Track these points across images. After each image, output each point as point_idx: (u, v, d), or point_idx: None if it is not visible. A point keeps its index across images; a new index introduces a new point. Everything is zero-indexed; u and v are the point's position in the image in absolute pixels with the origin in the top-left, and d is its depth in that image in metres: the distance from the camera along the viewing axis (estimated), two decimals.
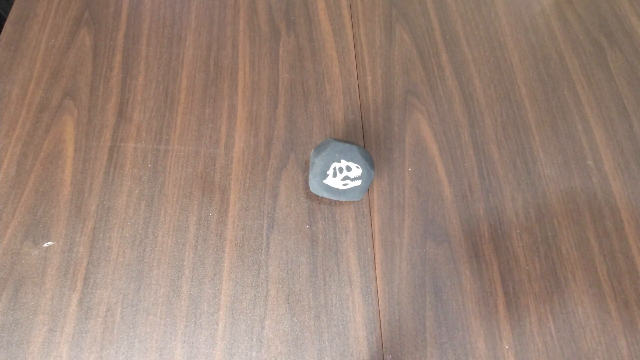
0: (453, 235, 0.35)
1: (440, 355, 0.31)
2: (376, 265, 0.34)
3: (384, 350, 0.31)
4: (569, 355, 0.31)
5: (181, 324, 0.31)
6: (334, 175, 0.32)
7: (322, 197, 0.36)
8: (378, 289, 0.33)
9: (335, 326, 0.31)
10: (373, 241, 0.34)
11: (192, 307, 0.32)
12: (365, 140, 0.39)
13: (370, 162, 0.33)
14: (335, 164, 0.32)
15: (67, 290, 0.32)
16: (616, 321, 0.32)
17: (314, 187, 0.33)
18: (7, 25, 0.42)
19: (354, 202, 0.36)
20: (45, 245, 0.33)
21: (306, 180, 0.36)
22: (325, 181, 0.33)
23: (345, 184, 0.33)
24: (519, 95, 0.41)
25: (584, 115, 0.40)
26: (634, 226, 0.35)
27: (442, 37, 0.44)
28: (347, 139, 0.38)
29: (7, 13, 0.42)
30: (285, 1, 0.45)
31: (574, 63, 0.43)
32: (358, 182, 0.33)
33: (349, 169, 0.32)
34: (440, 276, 0.33)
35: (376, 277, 0.33)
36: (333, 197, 0.33)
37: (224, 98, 0.40)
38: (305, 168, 0.37)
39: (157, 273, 0.33)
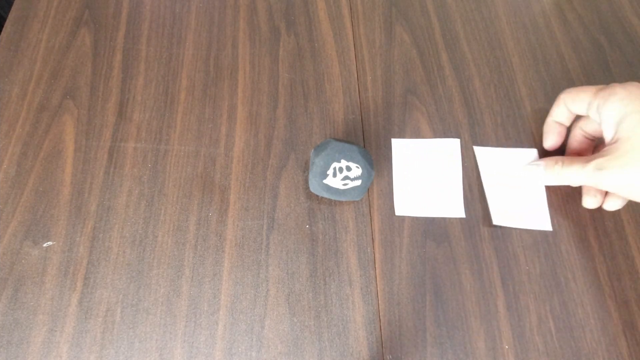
0: (453, 235, 0.35)
1: (440, 355, 0.31)
2: (376, 265, 0.34)
3: (384, 350, 0.31)
4: (569, 355, 0.31)
5: (181, 324, 0.31)
6: (334, 175, 0.32)
7: (322, 197, 0.36)
8: (378, 289, 0.33)
9: (335, 326, 0.32)
10: (373, 241, 0.35)
11: (192, 307, 0.32)
12: (365, 140, 0.39)
13: (370, 162, 0.33)
14: (335, 164, 0.32)
15: (67, 290, 0.32)
16: (616, 321, 0.32)
17: (314, 187, 0.33)
18: (7, 25, 0.42)
19: (354, 202, 0.36)
20: (45, 245, 0.33)
21: (306, 180, 0.36)
22: (325, 181, 0.33)
23: (345, 184, 0.33)
24: (519, 95, 0.41)
25: None
26: (634, 226, 0.35)
27: (442, 37, 0.44)
28: (347, 139, 0.38)
29: (7, 13, 0.42)
30: (285, 1, 0.45)
31: (574, 63, 0.43)
32: (358, 182, 0.33)
33: (349, 169, 0.32)
34: (440, 276, 0.33)
35: (376, 277, 0.33)
36: (333, 197, 0.33)
37: (224, 98, 0.40)
38: (305, 168, 0.37)
39: (157, 273, 0.33)
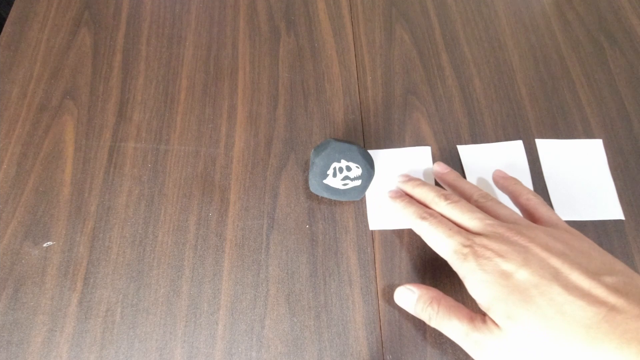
0: None
1: (440, 355, 0.31)
2: (376, 265, 0.34)
3: (384, 350, 0.31)
4: None
5: (181, 324, 0.31)
6: (334, 175, 0.32)
7: (322, 197, 0.36)
8: (378, 289, 0.33)
9: (335, 326, 0.31)
10: (373, 241, 0.34)
11: (192, 307, 0.32)
12: (365, 140, 0.39)
13: (370, 162, 0.33)
14: (335, 164, 0.32)
15: (67, 290, 0.32)
16: None
17: (314, 187, 0.33)
18: (7, 25, 0.42)
19: (354, 202, 0.36)
20: (45, 245, 0.33)
21: (306, 180, 0.36)
22: (325, 181, 0.33)
23: (345, 184, 0.33)
24: (519, 95, 0.41)
25: (584, 115, 0.40)
26: (633, 226, 0.35)
27: (442, 37, 0.44)
28: (347, 139, 0.38)
29: (7, 13, 0.42)
30: (285, 1, 0.45)
31: (574, 63, 0.43)
32: (358, 182, 0.33)
33: (349, 169, 0.32)
34: (439, 276, 0.33)
35: (376, 277, 0.33)
36: (333, 197, 0.33)
37: (224, 98, 0.40)
38: (305, 168, 0.37)
39: (157, 273, 0.33)
